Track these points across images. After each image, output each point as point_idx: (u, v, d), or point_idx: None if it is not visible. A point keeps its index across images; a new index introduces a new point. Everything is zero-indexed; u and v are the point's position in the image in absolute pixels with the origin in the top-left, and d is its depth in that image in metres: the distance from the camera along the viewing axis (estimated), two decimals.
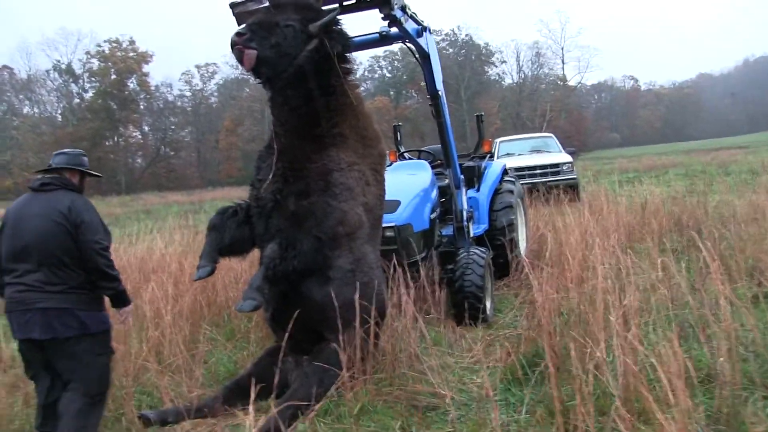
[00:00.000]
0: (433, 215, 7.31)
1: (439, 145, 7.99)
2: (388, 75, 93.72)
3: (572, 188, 17.70)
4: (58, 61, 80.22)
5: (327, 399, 4.74)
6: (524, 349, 5.26)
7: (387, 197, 5.89)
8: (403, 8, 5.87)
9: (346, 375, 4.60)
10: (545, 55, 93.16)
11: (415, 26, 6.31)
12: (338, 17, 5.26)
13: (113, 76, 78.57)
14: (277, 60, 4.93)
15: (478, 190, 8.68)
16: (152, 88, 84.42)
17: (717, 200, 12.69)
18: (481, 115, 9.83)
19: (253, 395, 3.76)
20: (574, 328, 5.03)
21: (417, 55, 6.76)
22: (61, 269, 4.26)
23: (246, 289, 4.75)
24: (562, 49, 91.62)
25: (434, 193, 7.53)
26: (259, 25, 4.94)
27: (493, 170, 9.09)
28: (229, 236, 5.23)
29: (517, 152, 20.39)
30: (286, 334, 4.61)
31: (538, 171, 18.42)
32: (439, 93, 7.05)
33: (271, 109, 5.31)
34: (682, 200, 12.88)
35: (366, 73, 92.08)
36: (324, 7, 5.33)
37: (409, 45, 6.63)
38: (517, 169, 16.44)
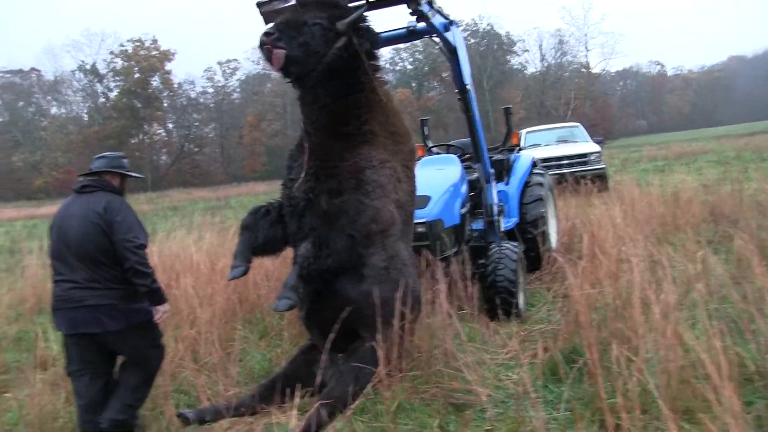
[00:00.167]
0: (464, 210, 7.27)
1: (467, 139, 7.93)
2: (409, 67, 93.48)
3: (600, 178, 17.49)
4: (83, 62, 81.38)
5: (363, 397, 4.72)
6: (561, 346, 5.19)
7: (417, 193, 5.86)
8: (430, 3, 5.84)
9: (382, 372, 4.59)
10: (568, 42, 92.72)
11: (442, 20, 6.27)
12: (365, 14, 5.23)
13: (137, 75, 79.33)
14: (306, 59, 4.88)
15: (507, 183, 8.62)
16: (175, 85, 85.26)
17: (753, 188, 12.48)
18: (510, 107, 9.74)
19: (296, 397, 3.75)
20: (611, 323, 4.97)
21: (444, 50, 6.72)
22: (101, 267, 4.49)
23: (281, 288, 4.75)
24: (586, 35, 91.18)
25: (464, 188, 7.48)
26: (286, 24, 4.89)
27: (522, 163, 9.02)
28: (262, 236, 5.22)
29: (543, 143, 20.24)
30: (328, 333, 4.60)
31: (565, 161, 18.26)
32: (468, 87, 7.00)
33: (301, 107, 5.28)
34: (716, 189, 12.70)
35: (387, 65, 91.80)
36: (351, 4, 5.30)
37: (436, 39, 6.59)
38: (544, 160, 16.30)
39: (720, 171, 20.50)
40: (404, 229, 5.42)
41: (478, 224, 7.82)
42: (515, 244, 7.30)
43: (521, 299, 6.92)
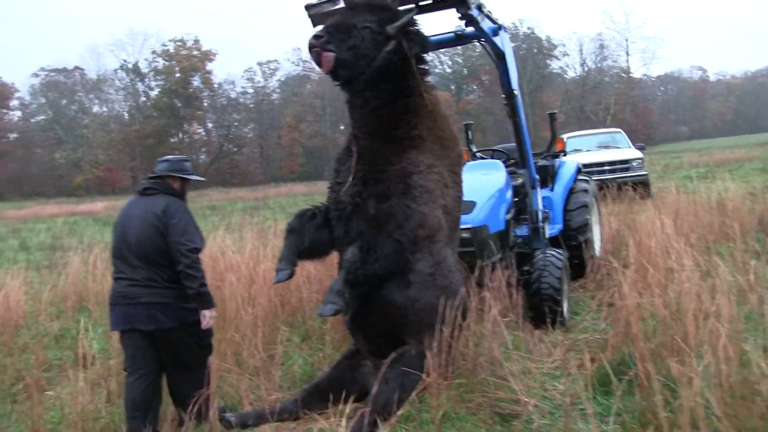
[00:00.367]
0: (509, 216, 7.21)
1: (511, 144, 7.86)
2: (448, 70, 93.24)
3: (643, 185, 17.31)
4: (126, 61, 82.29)
5: (408, 404, 4.67)
6: (610, 356, 5.09)
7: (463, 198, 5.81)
8: (480, 7, 5.78)
9: (428, 380, 4.55)
10: (609, 47, 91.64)
11: (491, 25, 6.21)
12: (414, 17, 5.20)
13: (178, 75, 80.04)
14: (355, 62, 4.85)
15: (552, 189, 8.54)
16: (215, 85, 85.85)
17: None
18: (555, 113, 9.64)
19: (345, 404, 3.72)
20: (661, 334, 4.88)
21: (492, 55, 6.66)
22: (158, 267, 4.66)
23: (327, 293, 4.72)
24: (627, 40, 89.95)
25: (509, 194, 7.42)
26: (336, 27, 4.87)
27: (567, 169, 8.93)
28: (308, 239, 5.19)
29: (584, 148, 20.01)
30: (372, 339, 4.58)
31: (607, 167, 18.07)
32: (515, 92, 6.93)
33: (350, 111, 5.26)
34: (763, 197, 12.45)
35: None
36: (400, 8, 5.27)
37: (484, 44, 6.54)
38: (586, 166, 16.07)
39: (766, 179, 20.10)
40: (451, 235, 5.37)
41: (523, 230, 7.75)
42: (560, 251, 7.22)
43: (566, 307, 6.84)
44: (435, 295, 4.85)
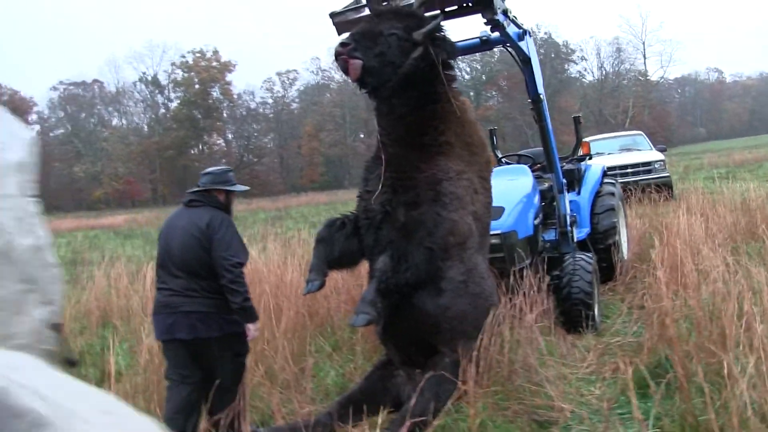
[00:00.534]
0: (537, 221, 7.17)
1: (537, 148, 7.83)
2: (467, 76, 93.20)
3: (666, 186, 17.25)
4: (145, 73, 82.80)
5: (444, 414, 4.62)
6: (645, 359, 5.04)
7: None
8: (505, 12, 5.76)
9: (464, 388, 4.51)
10: (626, 50, 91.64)
11: (517, 30, 6.20)
12: (441, 23, 5.18)
13: (197, 86, 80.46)
14: (383, 69, 4.82)
15: (578, 193, 8.50)
16: (235, 96, 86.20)
17: None
18: (579, 116, 9.61)
19: (380, 416, 3.69)
20: (698, 336, 4.82)
21: (518, 60, 6.64)
22: (199, 278, 4.67)
23: (359, 303, 4.68)
24: (643, 43, 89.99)
25: (536, 198, 7.38)
26: (362, 34, 4.84)
27: (593, 172, 8.90)
28: (338, 249, 5.15)
29: (606, 151, 19.92)
30: (405, 348, 4.55)
31: (629, 170, 18.00)
32: (541, 96, 6.92)
33: (378, 118, 5.23)
34: None
35: None
36: (426, 14, 5.26)
37: (509, 49, 6.52)
38: (609, 169, 16.05)
39: None
40: (481, 242, 5.34)
41: (550, 235, 7.71)
42: (590, 255, 7.18)
43: (597, 311, 6.80)
44: (467, 302, 4.82)
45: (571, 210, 7.74)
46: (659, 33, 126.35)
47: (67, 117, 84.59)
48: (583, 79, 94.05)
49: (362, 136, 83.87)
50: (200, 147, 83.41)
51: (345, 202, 40.70)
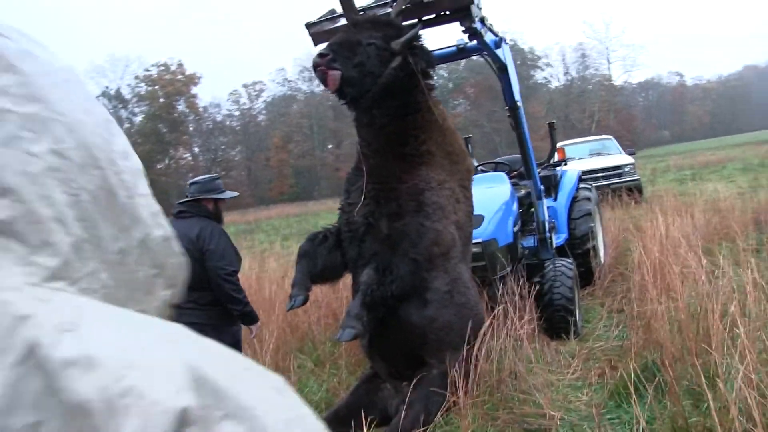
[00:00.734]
0: (516, 228, 7.17)
1: (513, 156, 7.83)
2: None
3: (636, 190, 17.50)
4: (107, 87, 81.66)
5: (434, 426, 4.59)
6: (632, 363, 5.04)
7: None
8: (482, 20, 5.76)
9: (453, 399, 4.48)
10: (590, 56, 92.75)
11: (494, 38, 6.19)
12: (419, 33, 5.16)
13: (162, 100, 79.81)
14: (362, 79, 4.75)
15: (555, 199, 8.53)
16: (201, 109, 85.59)
17: None
18: (554, 122, 9.64)
19: (371, 428, 3.64)
20: (686, 338, 4.83)
21: (494, 67, 6.65)
22: (192, 290, 4.53)
23: (344, 317, 4.63)
24: (607, 49, 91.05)
25: (515, 206, 7.38)
26: (341, 45, 4.77)
27: (569, 178, 8.94)
28: (320, 263, 5.09)
29: (576, 156, 20.10)
30: (391, 361, 4.51)
31: (600, 174, 18.19)
32: (518, 104, 6.92)
33: (357, 129, 5.18)
34: (753, 196, 12.64)
35: None
36: (404, 23, 5.23)
37: (486, 57, 6.52)
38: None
39: (749, 178, 20.39)
40: (464, 251, 5.31)
41: (529, 241, 7.71)
42: (570, 260, 7.19)
43: (578, 316, 6.81)
44: (453, 312, 4.79)
45: (549, 216, 7.75)
46: (622, 38, 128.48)
47: None
48: (549, 85, 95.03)
49: (330, 146, 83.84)
50: (167, 161, 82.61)
51: (316, 213, 40.68)
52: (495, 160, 9.44)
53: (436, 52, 6.21)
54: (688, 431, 3.86)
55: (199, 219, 4.84)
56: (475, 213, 6.09)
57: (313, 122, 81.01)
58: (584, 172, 17.25)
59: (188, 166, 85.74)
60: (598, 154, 20.36)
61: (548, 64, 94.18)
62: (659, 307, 5.14)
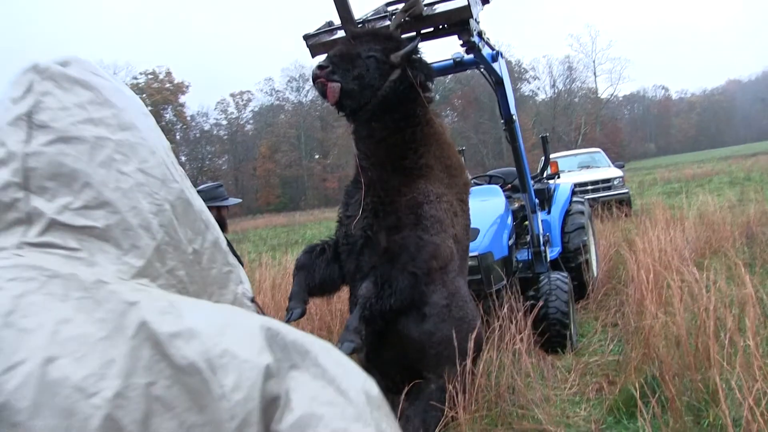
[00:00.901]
0: (510, 241, 7.16)
1: (507, 168, 7.83)
2: None
3: (625, 203, 17.55)
4: None
5: None
6: (631, 378, 5.02)
7: None
8: (480, 34, 5.75)
9: (451, 414, 4.45)
10: (577, 69, 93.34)
11: (490, 51, 6.19)
12: (418, 46, 5.14)
13: (149, 108, 79.02)
14: (361, 92, 4.73)
15: (548, 212, 8.53)
16: (188, 118, 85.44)
17: None
18: (546, 136, 9.65)
19: None
20: (685, 353, 4.82)
21: (491, 81, 6.64)
22: None
23: (343, 331, 4.58)
24: (594, 62, 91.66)
25: (509, 219, 7.38)
26: (340, 57, 4.74)
27: (562, 191, 8.96)
28: (318, 275, 5.06)
29: (566, 169, 20.17)
30: (389, 375, 4.47)
31: (589, 187, 18.24)
32: (514, 117, 6.91)
33: (356, 142, 5.14)
34: (742, 210, 12.73)
35: None
36: (402, 36, 5.22)
37: (482, 70, 6.52)
38: None
39: (736, 191, 20.55)
40: (461, 265, 5.28)
41: (523, 255, 7.70)
42: (564, 274, 7.18)
43: (573, 330, 6.80)
44: (451, 326, 4.75)
45: (543, 229, 7.75)
46: (608, 52, 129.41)
47: None
48: (536, 98, 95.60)
49: (317, 156, 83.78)
50: None
51: (303, 224, 40.56)
52: (489, 173, 9.43)
53: (433, 65, 6.21)
54: None
55: None
56: (471, 226, 6.08)
57: (300, 132, 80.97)
58: (574, 185, 17.44)
59: None
60: (588, 167, 20.45)
61: (535, 77, 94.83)
62: (657, 322, 5.12)
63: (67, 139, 1.18)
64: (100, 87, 1.28)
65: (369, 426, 1.17)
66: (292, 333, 1.18)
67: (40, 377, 0.95)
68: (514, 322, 5.60)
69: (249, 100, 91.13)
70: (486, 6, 5.70)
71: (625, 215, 16.26)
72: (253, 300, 1.54)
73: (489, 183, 8.83)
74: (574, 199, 9.14)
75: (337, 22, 5.52)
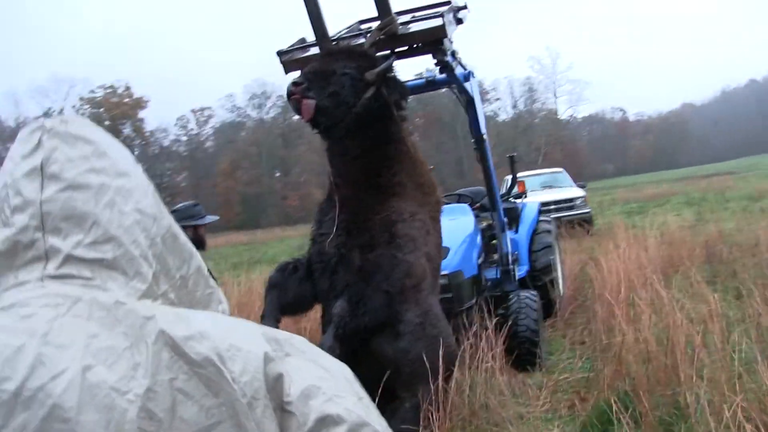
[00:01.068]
0: (480, 260, 7.19)
1: (476, 188, 7.87)
2: None
3: (587, 222, 17.79)
4: (50, 108, 79.35)
5: None
6: (604, 395, 5.05)
7: None
8: (453, 54, 5.81)
9: None
10: (537, 90, 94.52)
11: (463, 71, 6.25)
12: (393, 64, 5.17)
13: (107, 123, 78.34)
14: (336, 109, 4.72)
15: (516, 231, 8.59)
16: (147, 133, 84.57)
17: (730, 228, 13.32)
18: (514, 155, 9.76)
19: None
20: (656, 369, 4.87)
21: (462, 100, 6.69)
22: None
23: None
24: (554, 83, 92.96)
25: (478, 238, 7.41)
26: (315, 74, 4.75)
27: (529, 210, 9.04)
28: (291, 294, 5.05)
29: (529, 188, 20.31)
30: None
31: (552, 206, 18.41)
32: (484, 137, 6.97)
33: (330, 159, 5.14)
34: (701, 229, 13.02)
35: None
36: (377, 54, 5.24)
37: (453, 90, 6.57)
38: None
39: (694, 211, 20.97)
40: (433, 283, 5.28)
41: (491, 273, 7.73)
42: (534, 292, 7.23)
43: (543, 348, 6.84)
44: (426, 345, 4.73)
45: (512, 248, 7.80)
46: (568, 73, 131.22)
47: None
48: (497, 118, 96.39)
49: (278, 174, 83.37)
50: None
51: (265, 242, 40.33)
52: (458, 192, 9.48)
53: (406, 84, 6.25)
54: None
55: None
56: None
57: (261, 149, 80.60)
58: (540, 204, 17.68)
59: None
60: (551, 187, 20.68)
61: (497, 98, 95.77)
62: (628, 339, 5.17)
63: (75, 187, 1.40)
64: (97, 141, 1.50)
65: (353, 395, 1.50)
66: (281, 333, 1.49)
67: (81, 382, 1.17)
68: (484, 339, 5.60)
69: (210, 117, 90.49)
70: (459, 26, 5.74)
71: (589, 234, 16.50)
72: None
73: (458, 202, 8.87)
74: (541, 218, 9.21)
75: (310, 39, 5.53)
